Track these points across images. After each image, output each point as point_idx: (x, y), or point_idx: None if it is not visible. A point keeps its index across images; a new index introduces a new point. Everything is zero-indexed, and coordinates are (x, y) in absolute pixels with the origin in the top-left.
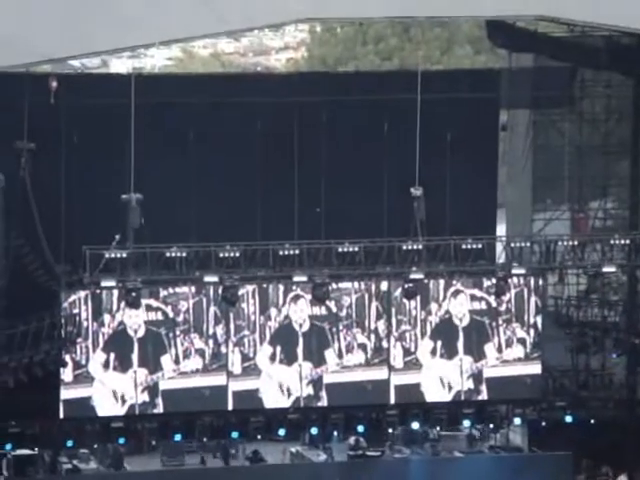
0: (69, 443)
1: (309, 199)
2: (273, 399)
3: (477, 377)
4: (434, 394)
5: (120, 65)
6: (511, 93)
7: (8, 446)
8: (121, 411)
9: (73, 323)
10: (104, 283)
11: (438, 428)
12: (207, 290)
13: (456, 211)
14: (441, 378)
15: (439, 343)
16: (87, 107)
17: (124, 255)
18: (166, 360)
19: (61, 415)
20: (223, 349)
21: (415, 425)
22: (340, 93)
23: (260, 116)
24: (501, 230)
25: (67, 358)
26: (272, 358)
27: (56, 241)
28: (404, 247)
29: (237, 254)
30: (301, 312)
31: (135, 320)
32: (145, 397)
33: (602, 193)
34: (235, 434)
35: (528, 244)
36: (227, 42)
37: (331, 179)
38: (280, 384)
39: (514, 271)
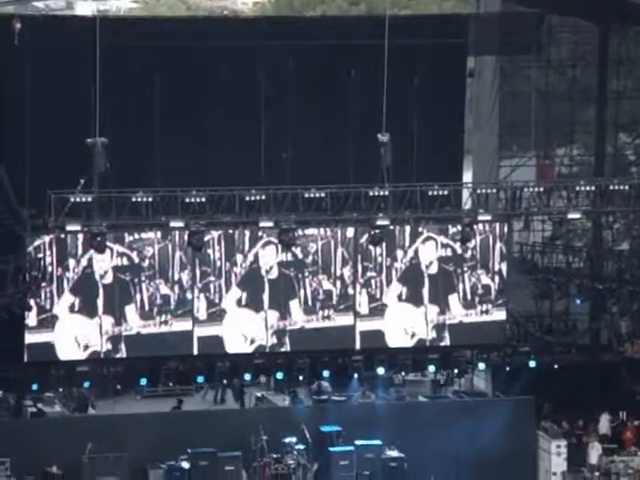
0: (34, 387)
1: (275, 144)
2: (237, 345)
3: (442, 323)
4: (399, 340)
5: (85, 7)
6: (478, 39)
7: None
8: (84, 356)
9: (38, 268)
10: (69, 227)
11: (403, 373)
12: (172, 236)
13: (423, 157)
14: (406, 325)
15: (404, 290)
16: (52, 49)
17: (89, 199)
18: (131, 306)
19: (25, 359)
20: (189, 295)
21: (380, 370)
22: (307, 38)
23: (226, 60)
24: (467, 177)
25: (32, 302)
26: (238, 304)
27: (21, 185)
28: (370, 193)
29: (203, 199)
30: (267, 259)
31: (101, 265)
32: (110, 342)
33: (568, 140)
34: (201, 378)
35: (494, 190)
36: None
37: (297, 124)
38: (245, 331)
39: (480, 217)
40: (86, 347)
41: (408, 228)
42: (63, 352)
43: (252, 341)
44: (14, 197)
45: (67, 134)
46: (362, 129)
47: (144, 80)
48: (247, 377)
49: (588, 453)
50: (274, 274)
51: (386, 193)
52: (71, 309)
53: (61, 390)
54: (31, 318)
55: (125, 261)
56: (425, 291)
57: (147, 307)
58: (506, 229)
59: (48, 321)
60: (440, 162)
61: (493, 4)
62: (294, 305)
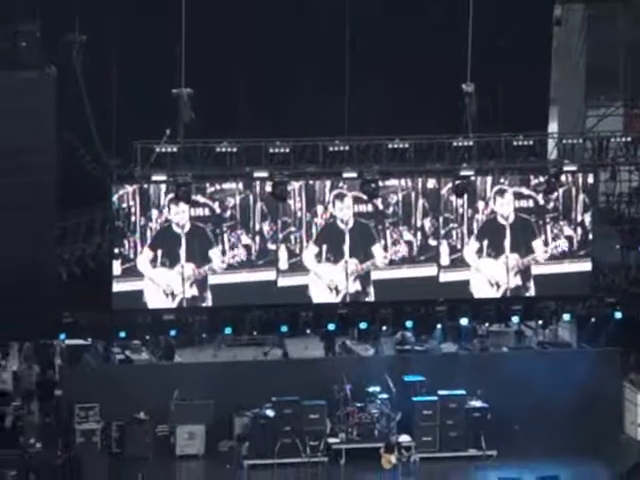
0: (121, 334)
1: (360, 95)
2: (320, 295)
3: (525, 275)
4: (482, 291)
5: None
6: None
7: (62, 336)
8: (171, 305)
9: (122, 217)
10: (155, 177)
11: (487, 324)
12: (254, 186)
13: (508, 107)
14: (488, 275)
15: (485, 241)
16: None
17: (174, 150)
18: (214, 255)
19: (112, 307)
20: (270, 245)
21: (464, 321)
22: None
23: (309, 5)
24: (553, 127)
25: (116, 251)
26: (318, 255)
27: (107, 135)
28: (454, 144)
29: (287, 150)
30: (347, 209)
31: (182, 216)
32: (194, 291)
33: None
34: (284, 328)
35: (580, 140)
36: None
37: (381, 75)
38: (327, 280)
39: (566, 168)
40: (172, 296)
41: (489, 179)
42: (150, 300)
43: (336, 291)
44: (101, 146)
45: (153, 84)
46: (447, 79)
47: (230, 29)
48: (331, 327)
49: None
50: (353, 225)
51: (470, 143)
52: (154, 260)
53: (148, 338)
54: (117, 267)
55: (207, 212)
56: (506, 242)
57: (229, 257)
58: (590, 180)
59: (132, 270)
60: (525, 112)
61: None
62: (376, 251)
